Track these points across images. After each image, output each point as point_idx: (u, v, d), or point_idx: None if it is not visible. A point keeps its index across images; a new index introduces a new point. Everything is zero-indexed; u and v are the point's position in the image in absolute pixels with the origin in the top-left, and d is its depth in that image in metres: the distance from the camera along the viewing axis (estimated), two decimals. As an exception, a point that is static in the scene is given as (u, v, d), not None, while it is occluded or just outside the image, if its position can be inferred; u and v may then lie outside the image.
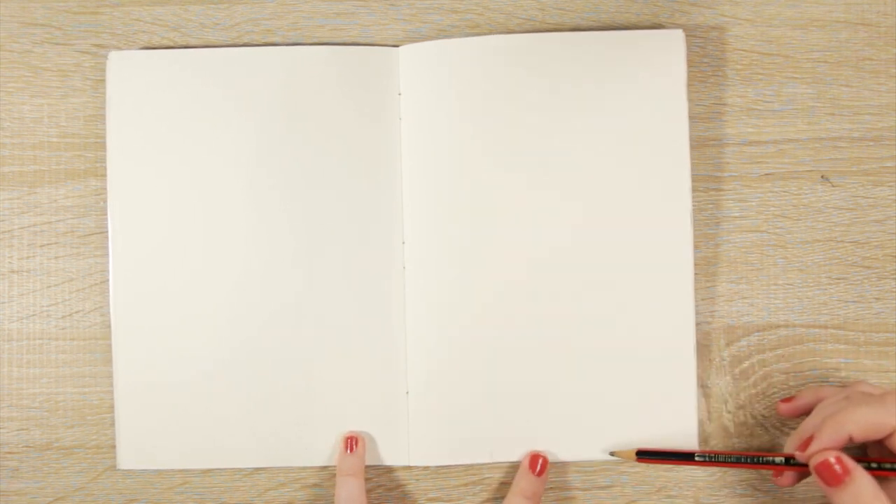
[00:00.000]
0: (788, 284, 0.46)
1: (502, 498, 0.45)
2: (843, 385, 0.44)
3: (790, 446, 0.40)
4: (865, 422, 0.37)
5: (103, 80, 0.46)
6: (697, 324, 0.45)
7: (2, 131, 0.47)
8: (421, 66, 0.46)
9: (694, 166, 0.46)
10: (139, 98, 0.46)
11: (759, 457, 0.41)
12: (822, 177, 0.46)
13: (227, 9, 0.47)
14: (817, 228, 0.46)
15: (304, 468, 0.46)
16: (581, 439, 0.45)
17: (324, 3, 0.47)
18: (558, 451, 0.45)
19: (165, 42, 0.47)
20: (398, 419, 0.45)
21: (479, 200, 0.45)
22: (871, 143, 0.46)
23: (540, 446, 0.45)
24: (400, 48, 0.46)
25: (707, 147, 0.46)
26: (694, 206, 0.46)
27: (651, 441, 0.44)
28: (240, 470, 0.46)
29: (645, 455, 0.43)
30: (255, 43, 0.47)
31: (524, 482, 0.44)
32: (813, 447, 0.38)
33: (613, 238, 0.45)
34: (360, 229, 0.45)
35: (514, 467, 0.46)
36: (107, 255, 0.46)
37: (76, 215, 0.47)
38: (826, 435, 0.38)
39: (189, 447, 0.45)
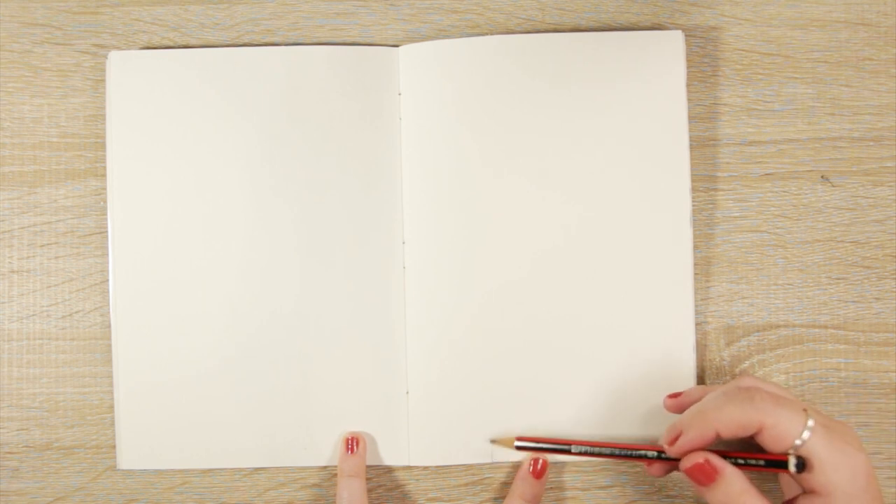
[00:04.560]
0: (788, 284, 0.46)
1: (502, 498, 0.45)
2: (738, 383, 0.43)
3: (664, 440, 0.40)
4: (731, 420, 0.37)
5: (103, 80, 0.46)
6: (697, 324, 0.45)
7: (2, 131, 0.47)
8: (421, 66, 0.46)
9: (693, 166, 0.46)
10: (139, 98, 0.46)
11: (633, 449, 0.41)
12: (822, 177, 0.46)
13: (227, 9, 0.47)
14: (817, 228, 0.46)
15: (305, 468, 0.46)
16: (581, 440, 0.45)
17: (324, 3, 0.47)
18: (558, 451, 0.45)
19: (165, 42, 0.47)
20: (398, 419, 0.45)
21: (479, 200, 0.45)
22: (871, 143, 0.46)
23: (540, 446, 0.45)
24: (400, 48, 0.46)
25: (707, 147, 0.46)
26: (693, 206, 0.46)
27: (651, 441, 0.44)
28: (240, 470, 0.46)
29: (523, 444, 0.44)
30: (255, 43, 0.47)
31: (524, 485, 0.44)
32: (680, 443, 0.38)
33: (613, 238, 0.45)
34: (361, 229, 0.45)
35: (514, 467, 0.46)
36: (107, 255, 0.46)
37: (76, 215, 0.47)
38: (694, 431, 0.38)
39: (189, 447, 0.45)
